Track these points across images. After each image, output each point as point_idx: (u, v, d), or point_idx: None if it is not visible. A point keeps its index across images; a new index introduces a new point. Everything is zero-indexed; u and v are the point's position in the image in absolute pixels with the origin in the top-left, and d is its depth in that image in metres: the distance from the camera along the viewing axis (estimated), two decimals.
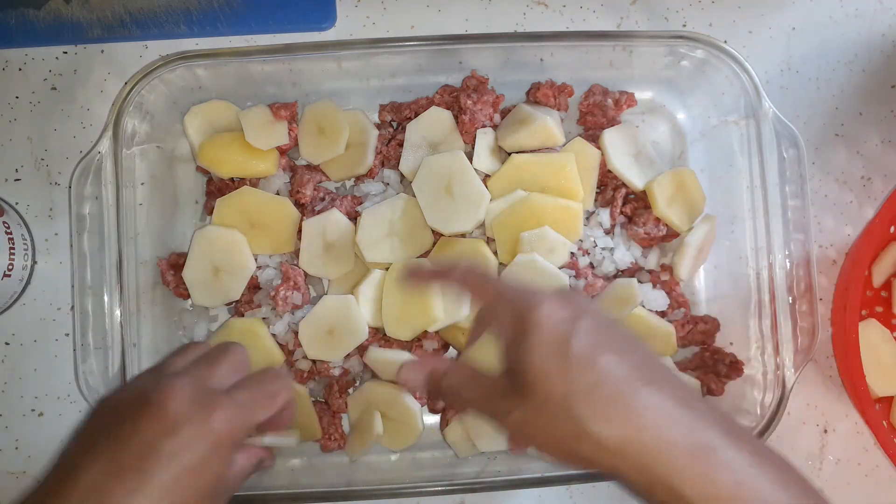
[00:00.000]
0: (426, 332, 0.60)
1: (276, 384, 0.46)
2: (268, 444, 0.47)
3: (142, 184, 0.61)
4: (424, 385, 0.48)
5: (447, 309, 0.59)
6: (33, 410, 0.64)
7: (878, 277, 0.66)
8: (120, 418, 0.44)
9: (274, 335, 0.61)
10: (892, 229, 0.65)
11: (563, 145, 0.63)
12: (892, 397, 0.65)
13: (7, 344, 0.65)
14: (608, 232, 0.63)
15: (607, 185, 0.64)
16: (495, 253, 0.61)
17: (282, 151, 0.63)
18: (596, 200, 0.65)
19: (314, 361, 0.62)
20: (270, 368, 0.48)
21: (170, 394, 0.42)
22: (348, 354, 0.61)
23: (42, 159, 0.66)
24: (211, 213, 0.63)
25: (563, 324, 0.42)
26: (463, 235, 0.61)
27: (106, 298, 0.57)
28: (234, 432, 0.43)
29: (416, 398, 0.62)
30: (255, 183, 0.63)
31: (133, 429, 0.42)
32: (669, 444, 0.39)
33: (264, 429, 0.47)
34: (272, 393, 0.46)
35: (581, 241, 0.62)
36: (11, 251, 0.61)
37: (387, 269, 0.60)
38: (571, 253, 0.62)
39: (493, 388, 0.45)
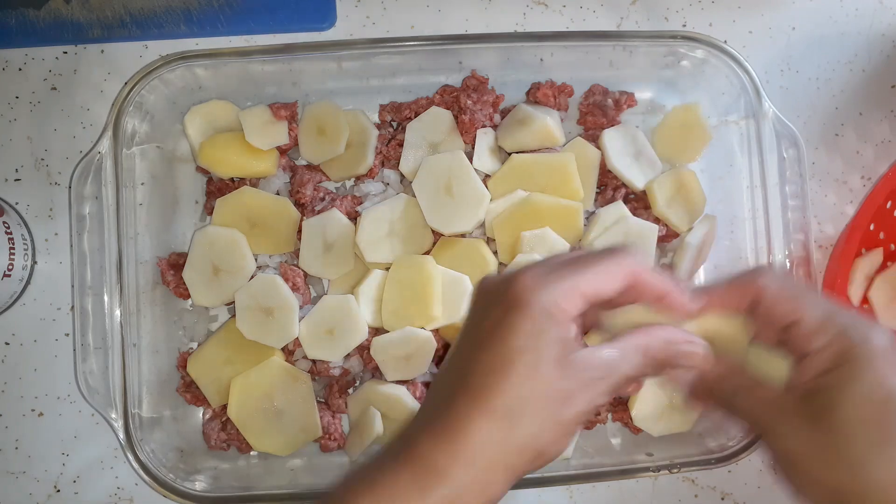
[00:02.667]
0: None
1: (601, 253, 0.41)
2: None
3: (142, 184, 0.61)
4: (692, 387, 0.44)
5: (446, 309, 0.59)
6: (33, 410, 0.64)
7: (856, 294, 0.65)
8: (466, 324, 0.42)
9: None
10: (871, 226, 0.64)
11: (563, 145, 0.63)
12: None
13: (7, 344, 0.65)
14: None
15: (607, 185, 0.64)
16: (495, 253, 0.61)
17: (282, 151, 0.63)
18: (596, 200, 0.65)
19: (314, 361, 0.62)
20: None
21: (482, 280, 0.42)
22: (348, 354, 0.61)
23: (42, 159, 0.66)
24: (211, 213, 0.63)
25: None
26: (463, 235, 0.61)
27: (106, 298, 0.57)
28: (552, 299, 0.38)
29: (415, 398, 0.61)
30: (255, 183, 0.63)
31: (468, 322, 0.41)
32: None
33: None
34: (597, 260, 0.40)
35: (581, 241, 0.62)
36: (11, 251, 0.61)
37: (387, 269, 0.60)
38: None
39: (777, 403, 0.41)
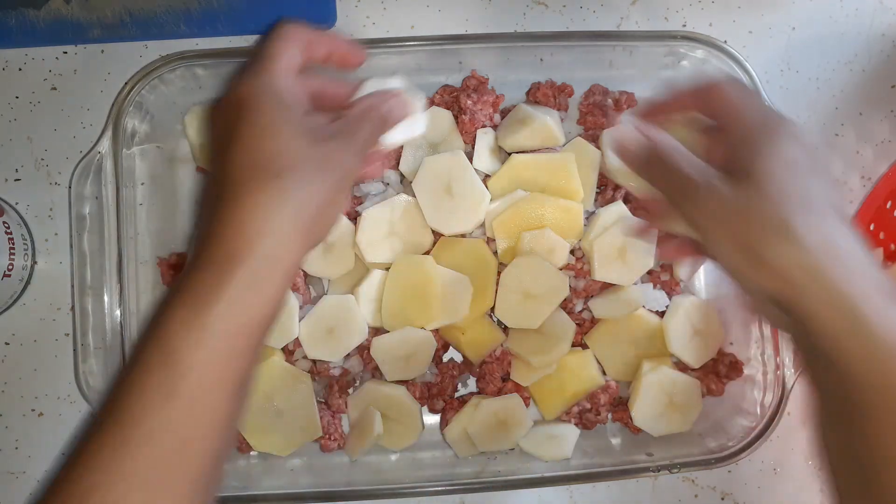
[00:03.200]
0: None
1: (280, 27, 0.47)
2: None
3: (142, 184, 0.61)
4: (632, 147, 0.47)
5: (446, 308, 0.59)
6: (33, 410, 0.64)
7: None
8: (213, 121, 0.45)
9: None
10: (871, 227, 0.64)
11: (563, 145, 0.63)
12: None
13: (7, 344, 0.65)
14: None
15: (607, 185, 0.64)
16: (495, 253, 0.61)
17: None
18: (596, 200, 0.65)
19: (314, 361, 0.62)
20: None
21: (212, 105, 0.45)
22: (348, 354, 0.61)
23: (42, 159, 0.66)
24: None
25: (810, 148, 0.43)
26: (463, 235, 0.61)
27: (106, 298, 0.57)
28: (264, 82, 0.43)
29: (415, 398, 0.62)
30: None
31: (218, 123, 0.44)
32: (868, 280, 0.38)
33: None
34: (278, 32, 0.47)
35: (581, 240, 0.62)
36: (11, 251, 0.61)
37: (387, 269, 0.60)
38: (571, 253, 0.62)
39: (703, 167, 0.43)
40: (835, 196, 0.42)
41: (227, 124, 0.42)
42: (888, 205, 0.62)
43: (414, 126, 0.50)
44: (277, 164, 0.40)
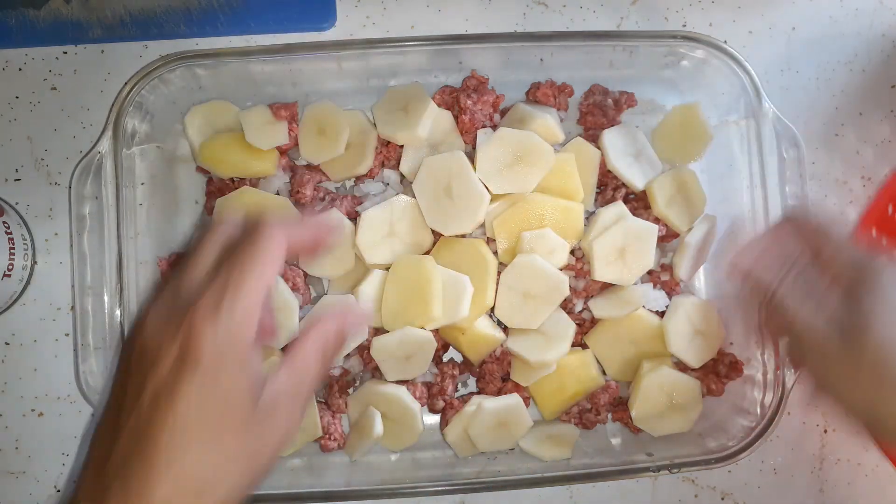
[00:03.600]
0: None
1: (258, 242, 0.37)
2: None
3: (142, 184, 0.61)
4: (754, 286, 0.49)
5: (446, 308, 0.59)
6: (33, 410, 0.64)
7: None
8: (116, 378, 0.37)
9: None
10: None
11: (563, 145, 0.63)
12: None
13: (7, 344, 0.65)
14: None
15: (607, 185, 0.64)
16: (495, 253, 0.61)
17: (282, 151, 0.63)
18: (596, 200, 0.65)
19: None
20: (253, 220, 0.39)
21: (137, 326, 0.36)
22: (348, 354, 0.61)
23: (42, 159, 0.66)
24: (211, 213, 0.63)
25: None
26: (463, 235, 0.61)
27: (106, 298, 0.57)
28: (229, 336, 0.35)
29: (415, 398, 0.62)
30: (255, 183, 0.63)
31: (122, 382, 0.36)
32: None
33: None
34: (258, 255, 0.37)
35: (581, 241, 0.62)
36: (11, 251, 0.61)
37: (387, 269, 0.60)
38: (571, 253, 0.62)
39: (817, 325, 0.44)
40: None
41: (160, 368, 0.34)
42: (890, 210, 0.62)
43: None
44: (206, 483, 0.34)
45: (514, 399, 0.61)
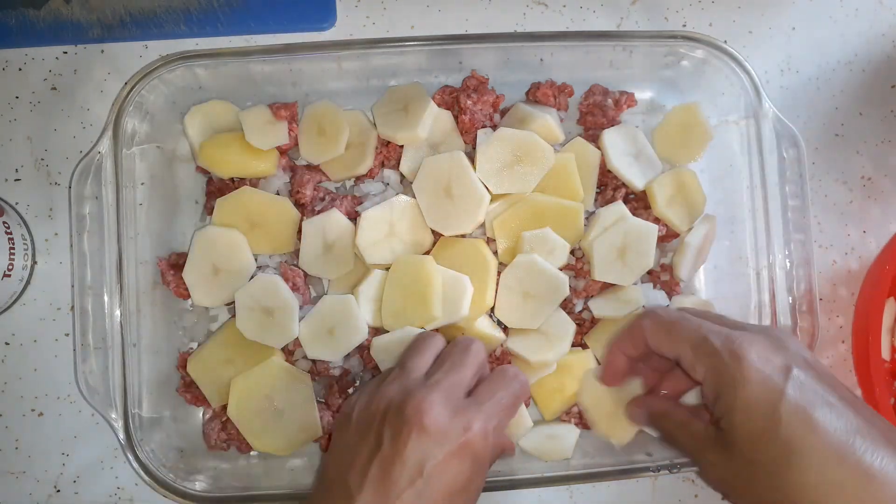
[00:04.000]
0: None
1: (517, 384, 0.50)
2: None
3: (142, 184, 0.61)
4: (647, 423, 0.55)
5: (446, 308, 0.59)
6: (33, 410, 0.64)
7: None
8: (378, 435, 0.45)
9: None
10: None
11: (563, 145, 0.63)
12: None
13: (7, 344, 0.65)
14: None
15: (607, 185, 0.64)
16: (495, 253, 0.61)
17: (282, 151, 0.63)
18: (596, 200, 0.65)
19: (314, 361, 0.62)
20: (507, 367, 0.51)
21: (427, 410, 0.44)
22: (348, 354, 0.61)
23: (42, 159, 0.66)
24: (211, 213, 0.63)
25: (773, 377, 0.40)
26: (463, 235, 0.61)
27: (106, 298, 0.57)
28: (491, 446, 0.46)
29: None
30: (255, 183, 0.63)
31: (394, 449, 0.43)
32: None
33: None
34: (517, 395, 0.50)
35: (581, 241, 0.62)
36: (11, 251, 0.61)
37: (387, 269, 0.60)
38: (571, 253, 0.62)
39: (702, 437, 0.46)
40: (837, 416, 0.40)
41: (449, 464, 0.45)
42: None
43: None
44: None
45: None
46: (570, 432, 0.62)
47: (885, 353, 0.63)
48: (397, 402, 0.46)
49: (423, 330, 0.59)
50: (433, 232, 0.61)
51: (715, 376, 0.43)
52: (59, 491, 0.64)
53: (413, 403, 0.45)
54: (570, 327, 0.61)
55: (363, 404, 0.48)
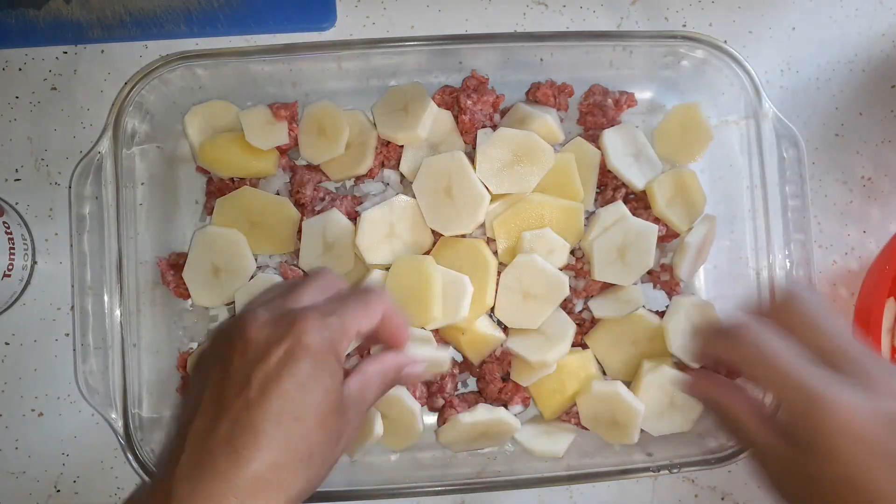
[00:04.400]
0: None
1: (367, 294, 0.45)
2: (418, 360, 0.48)
3: (142, 184, 0.61)
4: (706, 400, 0.49)
5: (446, 309, 0.59)
6: (33, 410, 0.64)
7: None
8: (211, 365, 0.42)
9: None
10: None
11: (563, 145, 0.63)
12: None
13: (7, 344, 0.65)
14: None
15: (607, 185, 0.64)
16: (495, 253, 0.61)
17: (282, 151, 0.63)
18: (596, 200, 0.65)
19: None
20: (363, 285, 0.47)
21: (247, 323, 0.41)
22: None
23: (42, 159, 0.66)
24: (211, 213, 0.63)
25: (875, 431, 0.38)
26: (463, 235, 0.61)
27: (106, 298, 0.57)
28: (330, 341, 0.41)
29: (415, 398, 0.61)
30: (255, 183, 0.63)
31: (223, 371, 0.40)
32: None
33: (376, 342, 0.47)
34: (364, 301, 0.44)
35: (581, 241, 0.62)
36: (11, 251, 0.61)
37: (387, 269, 0.60)
38: (571, 253, 0.62)
39: (769, 424, 0.43)
40: None
41: (265, 357, 0.40)
42: None
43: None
44: (291, 463, 0.39)
45: (495, 413, 0.60)
46: (568, 434, 0.62)
47: (885, 353, 0.63)
48: (224, 330, 0.43)
49: (422, 330, 0.59)
50: (433, 232, 0.61)
51: (799, 415, 0.40)
52: (59, 491, 0.64)
53: (237, 323, 0.41)
54: (570, 327, 0.61)
55: (204, 347, 0.46)
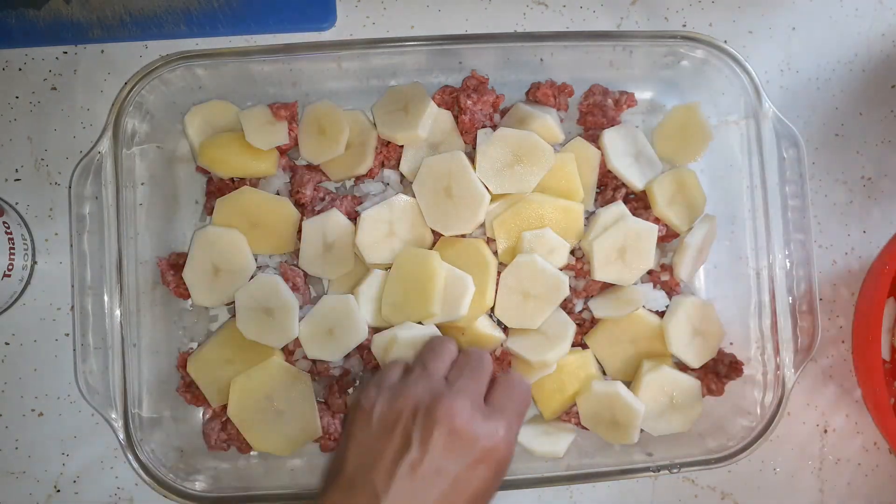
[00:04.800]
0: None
1: (525, 390, 0.52)
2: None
3: (142, 184, 0.61)
4: None
5: (445, 306, 0.59)
6: (33, 410, 0.64)
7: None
8: (406, 435, 0.46)
9: None
10: None
11: (563, 145, 0.63)
12: None
13: (7, 344, 0.65)
14: None
15: (607, 185, 0.64)
16: (495, 253, 0.61)
17: (282, 151, 0.63)
18: (596, 200, 0.65)
19: (314, 361, 0.62)
20: (513, 375, 0.53)
21: (458, 413, 0.46)
22: (348, 354, 0.61)
23: (42, 159, 0.66)
24: (211, 213, 0.63)
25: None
26: (463, 235, 0.61)
27: (106, 298, 0.57)
28: (511, 452, 0.48)
29: None
30: (255, 183, 0.63)
31: (423, 450, 0.45)
32: None
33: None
34: (527, 402, 0.51)
35: (581, 240, 0.62)
36: (11, 251, 0.61)
37: (387, 269, 0.60)
38: (571, 253, 0.62)
39: None
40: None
41: (474, 468, 0.46)
42: None
43: None
44: None
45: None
46: (568, 434, 0.62)
47: (885, 354, 0.63)
48: (426, 403, 0.46)
49: (435, 330, 0.59)
50: (433, 232, 0.61)
51: None
52: (59, 491, 0.64)
53: (444, 405, 0.45)
54: (570, 327, 0.61)
55: (386, 401, 0.48)
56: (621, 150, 0.63)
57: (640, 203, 0.64)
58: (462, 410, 0.45)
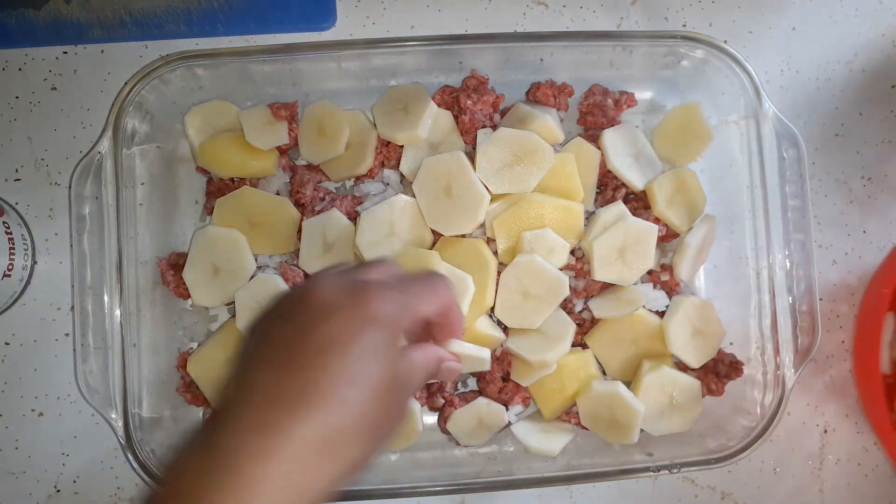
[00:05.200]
0: None
1: (434, 279, 0.45)
2: (455, 351, 0.46)
3: (142, 184, 0.61)
4: None
5: None
6: (33, 410, 0.64)
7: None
8: (273, 322, 0.41)
9: None
10: None
11: (563, 145, 0.63)
12: None
13: (7, 344, 0.65)
14: None
15: (607, 185, 0.64)
16: (495, 253, 0.61)
17: (282, 151, 0.63)
18: (596, 200, 0.65)
19: None
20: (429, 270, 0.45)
21: (317, 285, 0.40)
22: None
23: (42, 159, 0.66)
24: (211, 213, 0.63)
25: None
26: (463, 235, 0.61)
27: (106, 298, 0.57)
28: (396, 316, 0.40)
29: (415, 397, 0.61)
30: (255, 183, 0.63)
31: (287, 329, 0.40)
32: None
33: (433, 335, 0.46)
34: (431, 285, 0.44)
35: (581, 241, 0.62)
36: (11, 251, 0.61)
37: None
38: (571, 253, 0.62)
39: None
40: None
41: (329, 320, 0.39)
42: None
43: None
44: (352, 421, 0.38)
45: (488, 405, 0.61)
46: (565, 434, 0.62)
47: (886, 367, 0.63)
48: (295, 291, 0.43)
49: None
50: (433, 232, 0.61)
51: None
52: (59, 491, 0.64)
53: (307, 285, 0.41)
54: (570, 327, 0.61)
55: (267, 309, 0.43)
56: (621, 150, 0.63)
57: (640, 203, 0.64)
58: (324, 280, 0.41)
